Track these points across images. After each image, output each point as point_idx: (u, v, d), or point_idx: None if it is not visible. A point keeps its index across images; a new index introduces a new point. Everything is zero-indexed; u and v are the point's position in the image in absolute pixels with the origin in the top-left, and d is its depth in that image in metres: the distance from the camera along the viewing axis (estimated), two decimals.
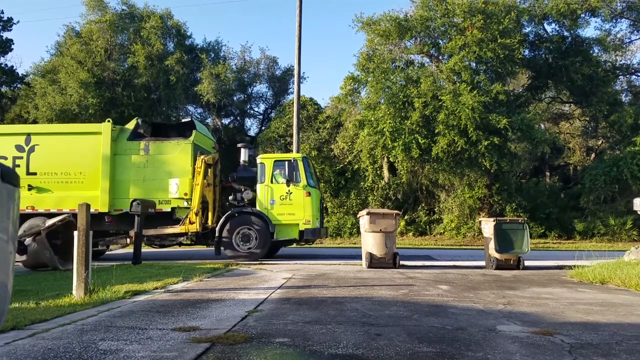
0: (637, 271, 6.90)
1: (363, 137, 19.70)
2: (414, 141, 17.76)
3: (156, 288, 6.30)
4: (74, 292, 5.47)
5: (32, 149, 11.78)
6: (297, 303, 5.20)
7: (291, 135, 21.12)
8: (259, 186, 11.66)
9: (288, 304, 5.14)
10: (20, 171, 11.59)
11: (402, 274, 8.31)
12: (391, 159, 20.11)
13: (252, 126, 31.29)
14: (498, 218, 9.46)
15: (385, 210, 9.87)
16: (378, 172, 24.00)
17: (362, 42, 28.46)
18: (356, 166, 22.92)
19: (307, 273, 8.36)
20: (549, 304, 5.19)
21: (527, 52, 20.52)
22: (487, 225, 9.41)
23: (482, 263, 9.83)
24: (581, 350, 3.29)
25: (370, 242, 9.26)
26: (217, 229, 11.36)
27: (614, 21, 21.96)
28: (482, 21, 17.50)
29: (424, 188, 24.48)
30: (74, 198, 11.31)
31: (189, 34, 27.05)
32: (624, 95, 24.67)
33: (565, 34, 20.78)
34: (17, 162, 11.68)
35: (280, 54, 70.18)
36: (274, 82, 29.25)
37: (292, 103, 21.26)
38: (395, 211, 9.77)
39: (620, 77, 23.78)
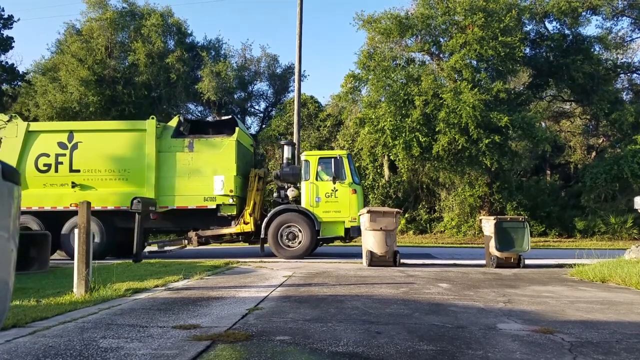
0: (637, 270, 6.90)
1: (364, 135, 19.71)
2: (414, 139, 17.76)
3: (157, 286, 6.30)
4: (74, 290, 5.48)
5: (75, 146, 11.75)
6: (297, 301, 5.21)
7: (292, 134, 21.11)
8: (303, 183, 11.61)
9: (288, 302, 5.15)
10: (64, 168, 11.67)
11: (403, 272, 8.31)
12: (392, 157, 20.11)
13: (252, 124, 31.32)
14: (499, 216, 9.46)
15: (386, 209, 9.88)
16: (379, 170, 24.02)
17: (363, 40, 28.44)
18: (357, 164, 22.93)
19: (307, 271, 8.37)
20: (550, 302, 5.19)
21: (528, 50, 20.50)
22: (488, 224, 9.41)
23: (483, 261, 9.83)
24: (581, 349, 3.29)
25: (370, 240, 9.26)
26: (262, 226, 11.31)
27: (615, 19, 21.93)
28: (483, 19, 17.47)
29: (424, 186, 24.48)
30: (118, 195, 11.42)
31: (189, 31, 27.05)
32: (624, 93, 24.66)
33: (566, 32, 20.75)
34: (60, 159, 11.68)
35: (281, 52, 70.18)
36: (274, 80, 29.23)
37: (293, 101, 21.26)
38: (396, 209, 9.77)
39: (621, 75, 23.76)
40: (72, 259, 10.68)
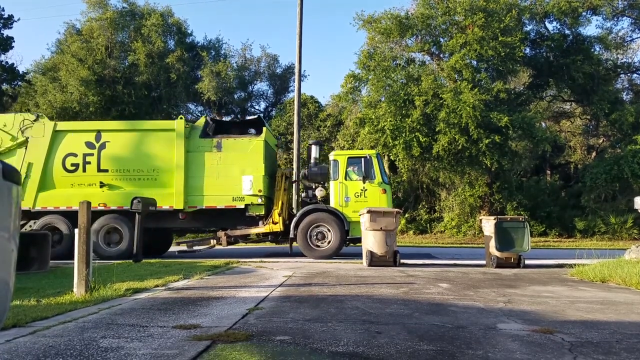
0: (637, 270, 6.89)
1: (364, 135, 19.69)
2: (414, 139, 17.76)
3: (157, 286, 6.30)
4: (74, 289, 5.48)
5: (102, 146, 11.71)
6: (297, 301, 5.21)
7: (292, 134, 21.12)
8: (332, 183, 11.58)
9: (289, 302, 5.14)
10: (92, 168, 11.64)
11: (403, 272, 8.31)
12: (392, 157, 20.09)
13: None
14: (499, 216, 9.45)
15: (386, 209, 9.87)
16: None
17: (363, 40, 28.45)
18: None
19: (307, 271, 8.37)
20: (550, 303, 5.19)
21: (528, 50, 20.50)
22: (488, 224, 9.40)
23: (483, 261, 9.83)
24: (581, 349, 3.29)
25: (370, 240, 9.26)
26: (291, 226, 11.29)
27: (616, 19, 21.94)
28: (483, 19, 17.47)
29: (424, 186, 24.49)
30: (147, 195, 11.34)
31: (189, 31, 27.07)
32: (625, 93, 24.67)
33: (567, 32, 20.75)
34: (88, 159, 11.66)
35: (281, 51, 70.16)
36: (274, 80, 29.24)
37: (293, 101, 21.25)
38: (396, 209, 9.76)
39: (621, 75, 23.77)
40: (101, 259, 10.79)
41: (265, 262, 10.18)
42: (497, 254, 9.06)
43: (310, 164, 12.30)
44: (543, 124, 24.83)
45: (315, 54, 58.96)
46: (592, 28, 71.79)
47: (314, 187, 11.97)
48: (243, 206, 11.53)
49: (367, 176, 11.34)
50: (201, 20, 55.27)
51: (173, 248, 14.03)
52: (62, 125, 12.29)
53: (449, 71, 18.51)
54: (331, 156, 11.93)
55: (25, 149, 11.68)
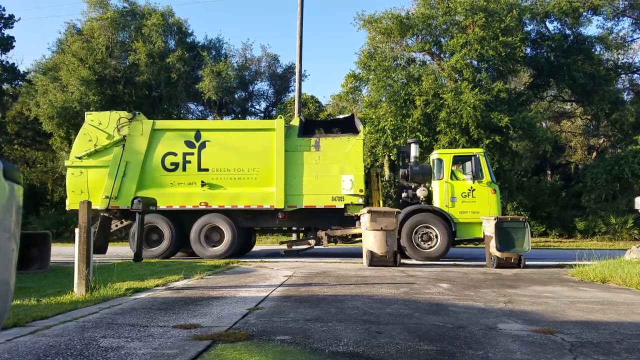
0: (638, 270, 6.90)
1: (364, 135, 19.69)
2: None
3: (157, 285, 6.30)
4: (75, 289, 5.48)
5: (202, 145, 11.65)
6: (298, 301, 5.21)
7: None
8: (436, 183, 11.20)
9: (289, 302, 5.14)
10: (192, 167, 11.58)
11: (403, 272, 8.31)
12: (392, 157, 20.10)
13: None
14: (499, 216, 9.45)
15: (386, 209, 9.87)
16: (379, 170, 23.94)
17: (364, 40, 28.48)
18: None
19: (308, 271, 8.37)
20: (550, 303, 5.19)
21: (528, 50, 20.51)
22: (488, 224, 9.41)
23: (483, 262, 9.83)
24: (582, 349, 3.29)
25: (371, 240, 9.27)
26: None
27: (616, 19, 21.95)
28: (483, 19, 17.48)
29: None
30: (247, 194, 11.38)
31: (190, 31, 27.02)
32: (625, 93, 24.66)
33: (567, 32, 20.76)
34: (188, 158, 11.60)
35: (282, 51, 70.21)
36: (275, 79, 29.23)
37: (294, 101, 21.26)
38: (396, 209, 9.76)
39: (622, 75, 23.76)
40: (202, 258, 10.83)
41: (265, 262, 10.19)
42: (498, 254, 9.06)
43: (410, 163, 11.84)
44: (544, 124, 24.82)
45: (315, 53, 59.01)
46: (592, 28, 71.84)
47: (413, 186, 11.58)
48: (342, 206, 11.32)
49: (476, 176, 10.95)
50: (202, 20, 55.32)
51: (274, 247, 13.83)
52: (161, 124, 12.19)
53: (449, 71, 18.52)
54: (434, 155, 11.56)
55: (123, 147, 11.58)
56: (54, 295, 5.40)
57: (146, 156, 11.56)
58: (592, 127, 26.56)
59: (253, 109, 30.41)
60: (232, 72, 25.66)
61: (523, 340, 3.53)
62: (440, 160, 11.31)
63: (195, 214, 11.43)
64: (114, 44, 24.95)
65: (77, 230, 5.68)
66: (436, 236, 10.79)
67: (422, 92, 17.82)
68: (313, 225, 11.90)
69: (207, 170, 11.56)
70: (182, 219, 11.48)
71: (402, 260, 9.61)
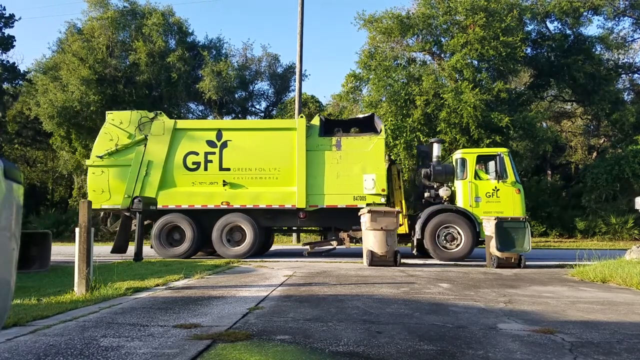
0: (638, 270, 6.89)
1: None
2: (415, 139, 17.77)
3: (157, 285, 6.30)
4: (75, 288, 5.49)
5: (224, 145, 11.66)
6: (298, 300, 5.21)
7: None
8: (459, 182, 11.13)
9: (289, 302, 5.14)
10: (213, 167, 11.60)
11: (403, 272, 8.31)
12: (393, 157, 20.10)
13: None
14: (499, 216, 9.45)
15: (387, 208, 9.86)
16: None
17: (364, 40, 28.48)
18: None
19: (308, 271, 8.37)
20: (550, 303, 5.19)
21: (529, 50, 20.52)
22: (489, 224, 9.40)
23: (483, 261, 9.83)
24: (582, 349, 3.29)
25: (371, 240, 9.27)
26: (417, 227, 10.87)
27: (617, 19, 21.96)
28: (484, 19, 17.48)
29: None
30: (269, 194, 11.38)
31: (190, 31, 27.04)
32: (626, 93, 24.67)
33: (568, 32, 20.76)
34: (210, 157, 11.62)
35: (282, 51, 70.19)
36: (275, 79, 29.23)
37: (294, 101, 21.26)
38: (397, 209, 9.75)
39: (622, 75, 23.77)
40: (225, 257, 10.82)
41: (265, 261, 10.19)
42: (498, 254, 9.06)
43: (432, 163, 11.76)
44: (544, 124, 24.82)
45: (315, 53, 59.01)
46: (593, 28, 71.82)
47: (435, 186, 11.49)
48: (364, 206, 11.16)
49: (500, 175, 10.86)
50: (202, 19, 55.33)
51: (297, 247, 13.76)
52: (182, 123, 12.22)
53: (449, 71, 18.51)
54: (457, 154, 11.49)
55: (144, 147, 11.59)
56: (54, 294, 5.40)
57: (168, 155, 11.58)
58: (592, 127, 26.56)
59: (253, 109, 30.43)
60: (233, 72, 25.66)
61: (523, 340, 3.53)
62: (463, 160, 11.26)
63: (217, 213, 11.42)
64: (114, 44, 24.95)
65: (77, 230, 5.68)
66: (460, 237, 10.71)
67: (423, 92, 17.83)
68: (334, 226, 11.87)
69: (228, 169, 11.57)
70: (203, 218, 11.47)
71: (402, 260, 9.61)
